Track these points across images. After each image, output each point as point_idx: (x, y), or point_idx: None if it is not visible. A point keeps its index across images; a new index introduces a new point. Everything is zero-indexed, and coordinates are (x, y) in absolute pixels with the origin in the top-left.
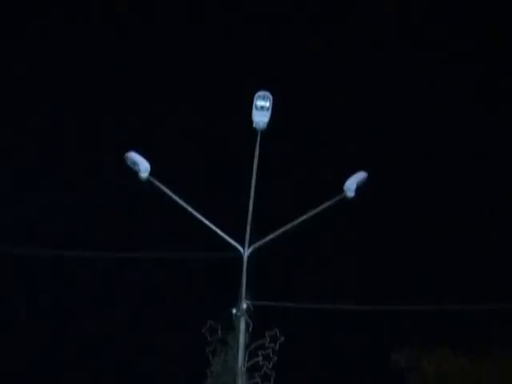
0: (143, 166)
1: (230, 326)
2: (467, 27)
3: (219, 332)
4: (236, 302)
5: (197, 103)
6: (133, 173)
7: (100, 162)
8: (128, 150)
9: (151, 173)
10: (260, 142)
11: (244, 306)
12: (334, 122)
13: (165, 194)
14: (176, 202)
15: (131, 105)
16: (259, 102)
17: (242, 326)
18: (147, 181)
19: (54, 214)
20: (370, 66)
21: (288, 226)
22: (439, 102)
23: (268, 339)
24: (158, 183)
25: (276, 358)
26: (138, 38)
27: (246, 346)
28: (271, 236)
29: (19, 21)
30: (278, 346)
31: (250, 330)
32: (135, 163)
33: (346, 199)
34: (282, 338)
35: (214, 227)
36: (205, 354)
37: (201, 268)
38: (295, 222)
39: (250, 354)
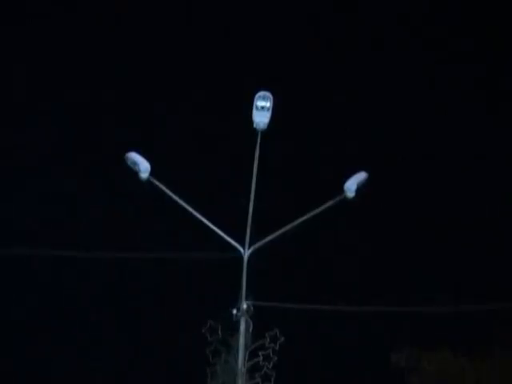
0: (143, 166)
1: (230, 327)
2: (467, 27)
3: (219, 332)
4: (236, 302)
5: (197, 103)
6: (133, 173)
7: (100, 161)
8: (128, 150)
9: (151, 173)
10: (260, 142)
11: (244, 306)
12: (333, 122)
13: (165, 193)
14: (176, 202)
15: (131, 105)
16: (260, 103)
17: (243, 327)
18: (147, 181)
19: (54, 214)
20: (370, 65)
21: (288, 227)
22: (439, 101)
23: (268, 339)
24: (158, 183)
25: (276, 359)
26: (138, 37)
27: (247, 347)
28: (271, 236)
29: (19, 20)
30: (278, 346)
31: (251, 330)
32: (135, 163)
33: (346, 199)
34: (282, 339)
35: (214, 227)
36: (205, 354)
37: (201, 268)
38: (295, 223)
39: (251, 354)
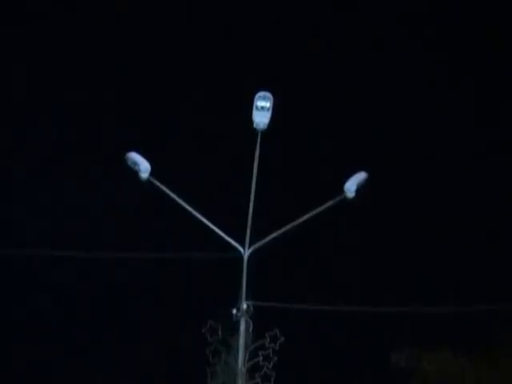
0: (143, 166)
1: (231, 327)
2: (467, 27)
3: (219, 332)
4: (236, 302)
5: (197, 103)
6: (133, 173)
7: (100, 161)
8: (128, 150)
9: (151, 173)
10: (260, 142)
11: (244, 306)
12: (333, 122)
13: (165, 193)
14: (176, 202)
15: (131, 105)
16: (260, 103)
17: (243, 327)
18: (147, 181)
19: (54, 214)
20: (370, 65)
21: (288, 227)
22: (439, 101)
23: (268, 339)
24: (158, 183)
25: (276, 359)
26: (138, 38)
27: (247, 347)
28: (271, 236)
29: (19, 20)
30: (278, 346)
31: (251, 330)
32: (135, 163)
33: (346, 200)
34: (282, 339)
35: (214, 227)
36: (205, 354)
37: (201, 268)
38: (295, 223)
39: (251, 354)
